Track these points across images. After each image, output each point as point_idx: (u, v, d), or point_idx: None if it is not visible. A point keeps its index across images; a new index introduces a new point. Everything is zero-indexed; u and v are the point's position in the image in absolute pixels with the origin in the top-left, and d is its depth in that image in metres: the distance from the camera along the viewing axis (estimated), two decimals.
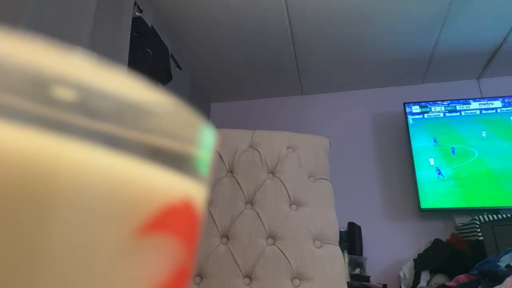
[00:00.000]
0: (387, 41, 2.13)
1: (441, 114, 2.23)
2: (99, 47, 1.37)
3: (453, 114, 2.22)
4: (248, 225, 1.18)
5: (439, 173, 2.10)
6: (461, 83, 2.48)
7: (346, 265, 1.90)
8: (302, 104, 2.67)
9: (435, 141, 2.18)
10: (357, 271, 2.01)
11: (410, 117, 2.26)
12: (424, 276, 1.84)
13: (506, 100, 2.23)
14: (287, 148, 1.32)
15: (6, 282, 0.08)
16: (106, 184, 0.09)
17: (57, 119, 0.09)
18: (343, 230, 2.07)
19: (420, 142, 2.21)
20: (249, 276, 1.12)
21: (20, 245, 0.08)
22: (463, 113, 2.22)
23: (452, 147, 2.13)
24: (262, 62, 2.33)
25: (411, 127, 2.24)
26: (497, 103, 2.26)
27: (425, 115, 2.24)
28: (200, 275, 1.14)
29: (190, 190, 0.12)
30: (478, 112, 2.21)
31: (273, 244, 1.16)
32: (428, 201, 2.06)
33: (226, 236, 1.19)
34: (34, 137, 0.08)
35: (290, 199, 1.23)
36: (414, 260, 1.96)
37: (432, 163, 2.13)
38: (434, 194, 2.08)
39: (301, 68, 2.40)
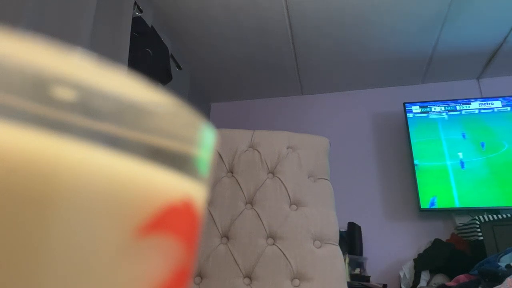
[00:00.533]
0: (387, 41, 2.13)
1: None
2: (99, 47, 1.37)
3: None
4: (248, 225, 1.18)
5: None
6: (461, 83, 2.48)
7: (346, 265, 1.90)
8: (302, 104, 2.67)
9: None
10: (357, 271, 2.01)
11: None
12: (424, 276, 1.84)
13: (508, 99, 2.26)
14: (287, 148, 1.32)
15: (6, 282, 0.08)
16: (106, 184, 0.09)
17: (57, 119, 0.09)
18: (343, 230, 2.07)
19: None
20: (249, 276, 1.12)
21: (20, 245, 0.08)
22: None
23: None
24: (262, 62, 2.33)
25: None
26: (497, 103, 2.26)
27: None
28: (200, 275, 1.14)
29: (190, 190, 0.12)
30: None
31: (273, 244, 1.16)
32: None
33: (226, 236, 1.19)
34: (34, 137, 0.08)
35: (290, 199, 1.23)
36: (414, 260, 1.96)
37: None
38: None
39: (301, 68, 2.40)
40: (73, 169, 0.09)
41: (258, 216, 1.19)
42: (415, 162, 2.20)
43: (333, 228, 1.20)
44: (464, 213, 2.09)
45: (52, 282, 0.08)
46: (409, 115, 2.34)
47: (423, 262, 1.89)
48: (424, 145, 2.25)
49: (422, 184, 2.16)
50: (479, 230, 1.79)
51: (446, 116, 2.30)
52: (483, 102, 2.28)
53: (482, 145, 2.18)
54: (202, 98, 2.69)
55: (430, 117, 2.31)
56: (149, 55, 1.65)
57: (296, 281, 1.10)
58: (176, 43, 2.11)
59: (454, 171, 2.15)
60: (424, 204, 2.12)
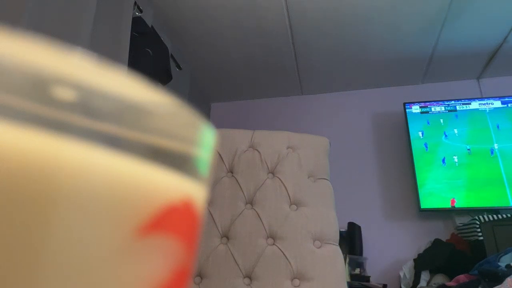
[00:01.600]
0: (387, 41, 2.13)
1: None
2: (99, 47, 1.37)
3: None
4: (248, 225, 1.18)
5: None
6: (461, 83, 2.48)
7: (346, 265, 1.90)
8: (302, 104, 2.67)
9: (497, 127, 2.25)
10: (357, 271, 2.01)
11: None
12: (424, 276, 1.84)
13: None
14: (287, 148, 1.32)
15: (6, 282, 0.08)
16: (106, 184, 0.09)
17: (57, 119, 0.09)
18: (343, 230, 2.07)
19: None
20: (249, 276, 1.12)
21: (21, 245, 0.08)
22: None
23: None
24: (262, 62, 2.33)
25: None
26: (497, 103, 2.26)
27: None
28: (200, 275, 1.14)
29: (190, 190, 0.12)
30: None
31: (273, 244, 1.16)
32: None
33: (226, 236, 1.19)
34: (34, 137, 0.08)
35: (290, 199, 1.23)
36: (414, 260, 1.96)
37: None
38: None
39: (301, 68, 2.40)
40: (73, 169, 0.09)
41: (258, 216, 1.19)
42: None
43: (333, 228, 1.20)
44: (464, 213, 2.09)
45: (52, 282, 0.08)
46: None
47: (423, 262, 1.89)
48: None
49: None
50: (479, 230, 1.79)
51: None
52: (482, 102, 2.28)
53: None
54: (202, 98, 2.69)
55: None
56: (149, 55, 1.65)
57: (296, 281, 1.10)
58: (176, 43, 2.11)
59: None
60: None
